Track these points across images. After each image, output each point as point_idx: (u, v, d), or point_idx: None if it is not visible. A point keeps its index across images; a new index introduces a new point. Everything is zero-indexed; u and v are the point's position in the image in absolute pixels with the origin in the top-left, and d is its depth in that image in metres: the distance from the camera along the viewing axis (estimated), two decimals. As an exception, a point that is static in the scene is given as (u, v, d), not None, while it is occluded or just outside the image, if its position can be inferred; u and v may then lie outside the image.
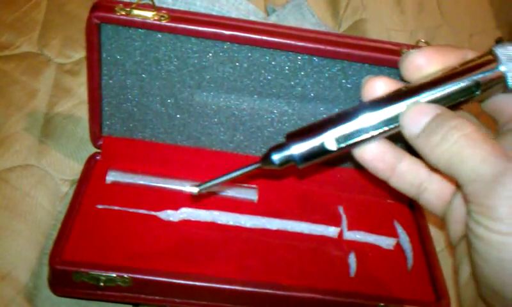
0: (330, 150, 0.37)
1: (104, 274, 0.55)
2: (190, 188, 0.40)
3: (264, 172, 0.69)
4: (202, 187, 0.40)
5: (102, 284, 0.55)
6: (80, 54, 0.80)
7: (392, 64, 0.60)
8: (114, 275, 0.55)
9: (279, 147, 0.38)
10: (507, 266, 0.30)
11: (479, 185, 0.31)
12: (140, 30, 0.57)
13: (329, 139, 0.37)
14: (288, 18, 0.85)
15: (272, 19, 0.84)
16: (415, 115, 0.35)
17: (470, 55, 0.37)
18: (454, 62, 0.37)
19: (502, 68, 0.36)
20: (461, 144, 0.32)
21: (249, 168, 0.39)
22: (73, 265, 0.55)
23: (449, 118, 0.34)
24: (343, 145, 0.37)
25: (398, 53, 0.59)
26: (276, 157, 0.38)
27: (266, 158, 0.38)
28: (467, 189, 0.32)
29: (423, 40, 0.61)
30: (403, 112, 0.36)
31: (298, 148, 0.37)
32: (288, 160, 0.38)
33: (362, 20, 0.93)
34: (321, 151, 0.37)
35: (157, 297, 0.58)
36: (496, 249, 0.30)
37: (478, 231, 0.31)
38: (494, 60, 0.36)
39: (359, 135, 0.37)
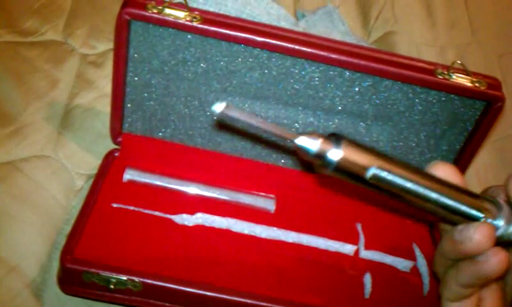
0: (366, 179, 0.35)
1: (115, 277, 0.54)
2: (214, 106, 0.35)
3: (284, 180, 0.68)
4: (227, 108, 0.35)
5: (112, 286, 0.54)
6: (105, 45, 0.78)
7: (424, 83, 0.58)
8: (125, 278, 0.54)
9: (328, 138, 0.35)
10: None
11: None
12: (170, 29, 0.56)
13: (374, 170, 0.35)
14: (318, 25, 0.84)
15: (302, 25, 0.82)
16: None
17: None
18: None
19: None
20: None
21: (284, 134, 0.35)
22: (84, 264, 0.54)
23: None
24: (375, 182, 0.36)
25: (432, 73, 0.58)
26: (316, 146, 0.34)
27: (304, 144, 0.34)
28: None
29: (459, 62, 0.59)
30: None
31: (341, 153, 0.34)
32: (323, 157, 0.34)
33: (392, 32, 0.91)
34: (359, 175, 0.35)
35: (167, 304, 0.56)
36: None
37: None
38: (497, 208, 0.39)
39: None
